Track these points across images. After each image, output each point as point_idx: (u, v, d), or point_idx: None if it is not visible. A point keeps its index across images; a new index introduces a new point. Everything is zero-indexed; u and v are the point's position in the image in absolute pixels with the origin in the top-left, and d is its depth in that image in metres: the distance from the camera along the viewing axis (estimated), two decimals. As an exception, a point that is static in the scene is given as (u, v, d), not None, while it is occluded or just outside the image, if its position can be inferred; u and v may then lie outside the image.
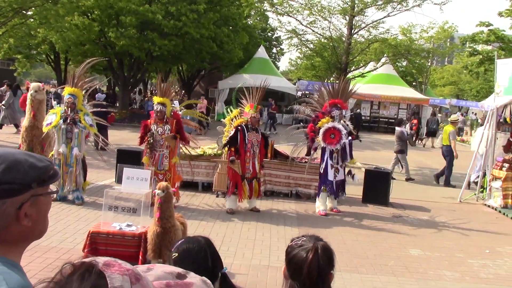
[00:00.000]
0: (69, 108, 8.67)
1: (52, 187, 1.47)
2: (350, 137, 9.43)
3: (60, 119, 8.57)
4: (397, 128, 14.71)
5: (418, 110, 31.18)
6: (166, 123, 8.86)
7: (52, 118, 8.64)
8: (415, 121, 25.49)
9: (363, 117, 31.04)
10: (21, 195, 1.32)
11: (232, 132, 9.09)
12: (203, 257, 2.22)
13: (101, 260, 1.03)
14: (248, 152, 8.97)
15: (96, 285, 0.99)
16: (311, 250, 2.13)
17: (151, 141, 8.71)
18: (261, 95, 9.23)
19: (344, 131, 9.25)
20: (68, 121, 8.58)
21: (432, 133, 25.32)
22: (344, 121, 9.67)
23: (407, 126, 27.24)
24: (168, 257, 2.18)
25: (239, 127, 8.98)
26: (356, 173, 10.14)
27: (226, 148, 9.25)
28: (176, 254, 2.16)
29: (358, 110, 28.95)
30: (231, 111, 10.07)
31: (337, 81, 10.58)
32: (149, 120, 9.04)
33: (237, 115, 9.55)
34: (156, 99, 8.94)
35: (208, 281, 1.31)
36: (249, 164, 9.01)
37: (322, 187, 9.43)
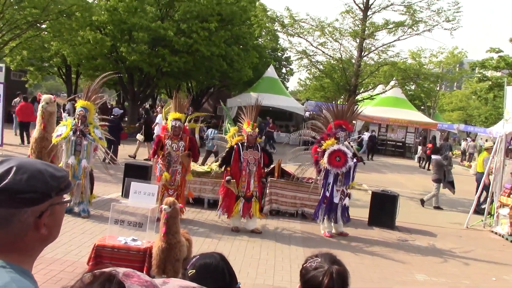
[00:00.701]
0: (80, 121, 8.75)
1: (66, 196, 1.50)
2: (355, 160, 9.36)
3: (70, 131, 8.65)
4: (433, 156, 14.60)
5: (434, 134, 31.25)
6: (181, 139, 8.91)
7: (62, 130, 8.71)
8: (430, 145, 25.54)
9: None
10: (41, 204, 1.35)
11: (225, 152, 9.10)
12: (221, 273, 2.22)
13: (120, 270, 1.04)
14: (243, 171, 8.91)
15: None
16: (326, 275, 2.16)
17: (168, 157, 8.75)
18: (256, 112, 9.21)
19: (350, 154, 9.19)
20: (78, 133, 8.65)
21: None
22: (349, 142, 9.60)
23: (420, 150, 27.25)
24: (184, 275, 2.19)
25: (235, 146, 8.97)
26: (353, 194, 10.04)
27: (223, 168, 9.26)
28: (193, 270, 2.15)
29: (373, 132, 29.02)
30: (230, 126, 10.04)
31: (346, 103, 10.57)
32: (162, 134, 9.07)
33: (236, 133, 9.47)
34: (172, 115, 8.97)
35: None
36: (244, 183, 8.95)
37: (321, 212, 9.36)
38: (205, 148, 16.18)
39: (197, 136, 15.55)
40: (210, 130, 16.37)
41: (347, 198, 9.35)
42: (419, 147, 28.08)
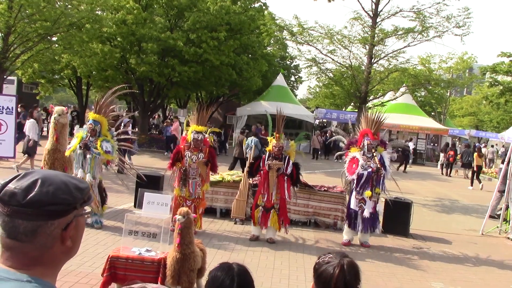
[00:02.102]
0: (90, 134, 8.72)
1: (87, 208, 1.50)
2: (369, 170, 9.16)
3: (79, 144, 8.60)
4: (502, 166, 14.04)
5: (454, 141, 31.05)
6: (201, 151, 8.88)
7: (73, 143, 8.71)
8: (451, 153, 25.56)
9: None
10: (67, 216, 1.35)
11: (252, 162, 9.14)
12: (228, 286, 2.22)
13: (150, 286, 1.02)
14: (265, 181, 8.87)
15: None
16: (337, 266, 2.22)
17: (185, 168, 8.71)
18: (280, 123, 9.16)
19: (361, 162, 9.10)
20: (82, 147, 8.60)
21: (468, 165, 25.10)
22: (373, 151, 9.36)
23: (442, 157, 26.98)
24: (198, 285, 2.28)
25: (263, 155, 8.99)
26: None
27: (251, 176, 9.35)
28: (208, 279, 2.22)
29: (406, 142, 28.78)
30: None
31: (356, 110, 10.53)
32: (182, 146, 8.99)
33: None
34: (194, 128, 8.91)
35: None
36: (265, 193, 8.86)
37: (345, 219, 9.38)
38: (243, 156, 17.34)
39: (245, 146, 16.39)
40: (250, 138, 16.95)
41: (367, 207, 9.11)
42: (441, 154, 27.91)
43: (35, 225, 1.31)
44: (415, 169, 28.47)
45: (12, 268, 1.32)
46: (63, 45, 21.07)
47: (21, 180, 1.34)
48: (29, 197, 1.30)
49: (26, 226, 1.30)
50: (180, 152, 8.88)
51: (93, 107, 9.26)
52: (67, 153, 8.85)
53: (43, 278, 1.33)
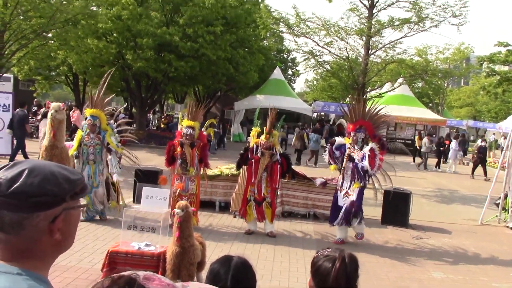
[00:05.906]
0: (90, 130, 8.81)
1: (82, 200, 1.45)
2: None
3: (80, 144, 8.75)
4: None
5: (450, 132, 31.15)
6: (193, 145, 8.85)
7: (73, 141, 8.82)
8: (447, 142, 25.90)
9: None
10: (54, 208, 1.30)
11: (242, 152, 9.08)
12: (222, 279, 2.21)
13: (141, 274, 0.99)
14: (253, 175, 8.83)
15: None
16: (338, 259, 2.13)
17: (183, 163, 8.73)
18: (271, 119, 9.02)
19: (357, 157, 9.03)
20: (93, 144, 8.88)
21: (463, 153, 26.47)
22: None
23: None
24: (198, 278, 2.28)
25: (250, 147, 8.97)
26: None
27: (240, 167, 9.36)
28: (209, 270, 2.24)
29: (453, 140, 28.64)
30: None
31: (354, 102, 10.44)
32: (175, 141, 8.94)
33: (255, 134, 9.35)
34: (185, 123, 8.90)
35: None
36: (254, 187, 8.87)
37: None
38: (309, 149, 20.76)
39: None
40: (312, 134, 20.03)
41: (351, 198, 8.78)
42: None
43: (20, 217, 1.26)
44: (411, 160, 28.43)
45: (2, 260, 1.28)
46: (58, 41, 20.96)
47: (9, 170, 1.29)
48: (13, 187, 1.25)
49: (11, 218, 1.26)
50: (174, 146, 8.86)
51: (88, 103, 9.25)
52: (70, 153, 9.01)
53: (34, 270, 1.30)
